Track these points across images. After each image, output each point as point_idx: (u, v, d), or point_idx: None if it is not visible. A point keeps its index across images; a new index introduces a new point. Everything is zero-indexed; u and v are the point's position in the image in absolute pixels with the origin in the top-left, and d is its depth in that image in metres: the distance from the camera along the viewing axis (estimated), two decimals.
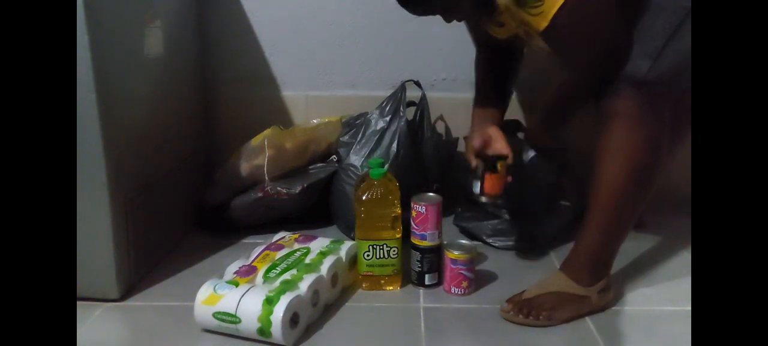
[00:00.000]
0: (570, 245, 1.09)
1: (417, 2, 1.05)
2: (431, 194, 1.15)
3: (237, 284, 1.01)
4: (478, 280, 1.15)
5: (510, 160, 1.14)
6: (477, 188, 1.11)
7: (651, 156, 1.00)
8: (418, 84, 1.46)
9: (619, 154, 0.99)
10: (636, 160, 0.99)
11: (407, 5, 1.06)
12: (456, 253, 1.10)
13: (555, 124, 1.18)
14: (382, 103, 1.40)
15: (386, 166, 1.27)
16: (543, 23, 0.97)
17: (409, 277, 1.16)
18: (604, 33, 0.98)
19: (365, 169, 1.25)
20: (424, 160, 1.40)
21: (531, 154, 1.30)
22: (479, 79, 1.30)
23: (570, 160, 1.37)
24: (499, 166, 1.09)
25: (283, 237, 1.22)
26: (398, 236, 1.13)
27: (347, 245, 1.17)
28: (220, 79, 1.58)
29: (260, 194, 1.37)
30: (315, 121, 1.50)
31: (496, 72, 1.28)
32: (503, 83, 1.30)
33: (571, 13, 0.95)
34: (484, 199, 1.11)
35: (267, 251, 1.14)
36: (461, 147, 1.43)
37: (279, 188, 1.37)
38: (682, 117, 1.07)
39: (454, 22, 1.12)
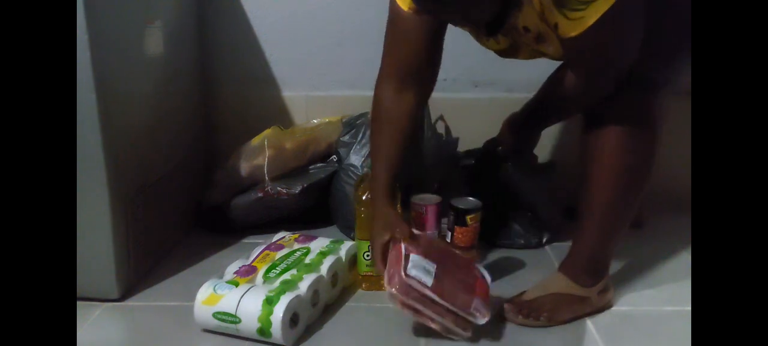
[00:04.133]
0: (568, 244, 1.09)
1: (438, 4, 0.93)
2: (431, 194, 1.15)
3: (237, 284, 1.01)
4: None
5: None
6: (448, 239, 1.12)
7: (645, 154, 1.00)
8: None
9: (613, 153, 0.99)
10: (630, 160, 0.99)
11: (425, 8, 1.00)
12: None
13: (535, 127, 1.16)
14: None
15: None
16: (578, 28, 0.89)
17: None
18: (626, 50, 0.95)
19: (365, 170, 1.25)
20: (424, 160, 1.40)
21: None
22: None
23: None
24: (468, 219, 1.08)
25: (283, 237, 1.22)
26: None
27: (347, 245, 1.17)
28: (220, 79, 1.58)
29: (260, 194, 1.36)
30: (315, 121, 1.50)
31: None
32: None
33: (607, 27, 0.88)
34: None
35: (267, 251, 1.14)
36: (460, 148, 1.44)
37: (279, 188, 1.37)
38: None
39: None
